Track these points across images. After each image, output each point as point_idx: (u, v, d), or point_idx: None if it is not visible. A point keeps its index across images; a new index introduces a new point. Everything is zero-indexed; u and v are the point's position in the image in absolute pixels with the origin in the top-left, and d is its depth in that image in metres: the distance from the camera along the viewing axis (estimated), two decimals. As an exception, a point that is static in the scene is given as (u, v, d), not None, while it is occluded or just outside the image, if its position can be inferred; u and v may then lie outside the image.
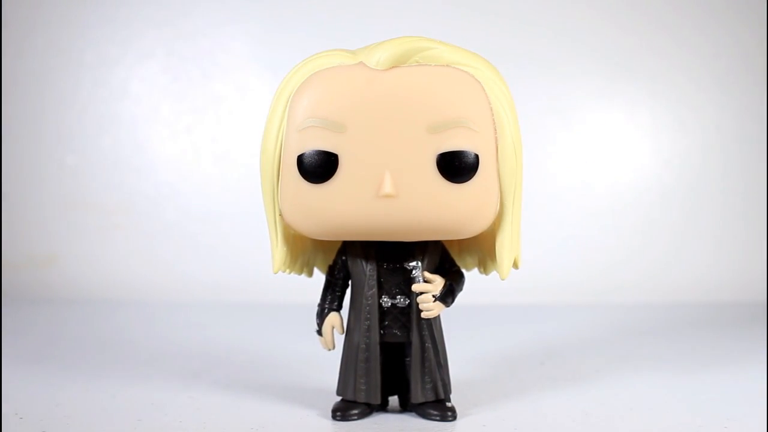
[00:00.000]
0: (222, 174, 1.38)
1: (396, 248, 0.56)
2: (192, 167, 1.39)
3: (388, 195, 0.50)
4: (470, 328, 1.01)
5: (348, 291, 0.59)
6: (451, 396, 0.58)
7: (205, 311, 1.17)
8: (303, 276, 0.64)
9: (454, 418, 0.57)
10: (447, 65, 0.50)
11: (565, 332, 0.99)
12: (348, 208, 0.51)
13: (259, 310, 1.18)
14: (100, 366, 0.77)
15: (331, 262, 0.60)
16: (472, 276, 0.62)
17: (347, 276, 0.58)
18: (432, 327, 0.56)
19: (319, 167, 0.50)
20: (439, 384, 0.57)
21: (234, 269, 1.31)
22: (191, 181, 1.39)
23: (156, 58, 1.38)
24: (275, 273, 0.57)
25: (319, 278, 0.64)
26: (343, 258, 0.58)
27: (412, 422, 0.56)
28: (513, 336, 0.96)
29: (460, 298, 0.58)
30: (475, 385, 0.68)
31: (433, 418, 0.56)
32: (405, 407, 0.59)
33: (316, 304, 0.60)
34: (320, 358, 0.67)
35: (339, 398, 0.58)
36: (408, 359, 0.57)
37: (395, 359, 0.58)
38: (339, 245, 0.59)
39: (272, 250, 0.56)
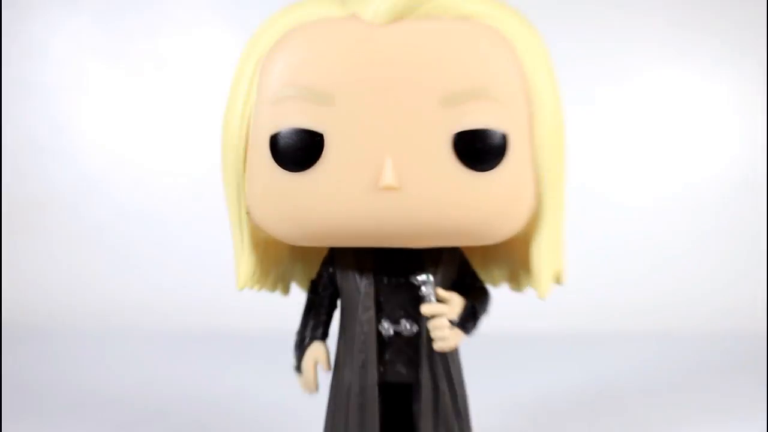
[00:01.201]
0: (170, 160, 1.37)
1: (400, 257, 0.56)
2: (129, 151, 1.37)
3: (389, 187, 0.50)
4: (499, 363, 1.00)
5: (337, 314, 0.59)
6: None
7: (146, 342, 1.16)
8: (277, 294, 0.64)
9: (478, 486, 0.59)
10: (466, 18, 0.51)
11: (625, 369, 0.98)
12: (337, 205, 0.51)
13: (219, 339, 1.17)
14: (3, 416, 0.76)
15: (314, 276, 0.60)
16: (500, 294, 0.62)
17: (335, 294, 0.59)
18: (448, 363, 0.57)
19: (298, 150, 0.51)
20: (457, 438, 0.57)
21: (185, 285, 1.30)
22: (128, 169, 1.37)
23: (83, 5, 1.37)
24: (240, 290, 0.57)
25: (299, 297, 0.64)
26: (331, 270, 0.59)
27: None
28: (555, 374, 0.96)
29: (485, 323, 0.58)
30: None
31: (450, 486, 0.57)
32: (413, 471, 0.59)
33: (295, 332, 0.60)
34: (300, 403, 0.67)
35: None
36: (416, 406, 0.57)
37: (399, 405, 0.58)
38: (325, 254, 0.60)
39: (236, 259, 0.56)
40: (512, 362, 1.02)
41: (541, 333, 1.14)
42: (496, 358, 1.00)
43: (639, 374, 0.95)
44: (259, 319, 1.01)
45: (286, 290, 0.66)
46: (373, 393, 0.56)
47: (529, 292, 0.61)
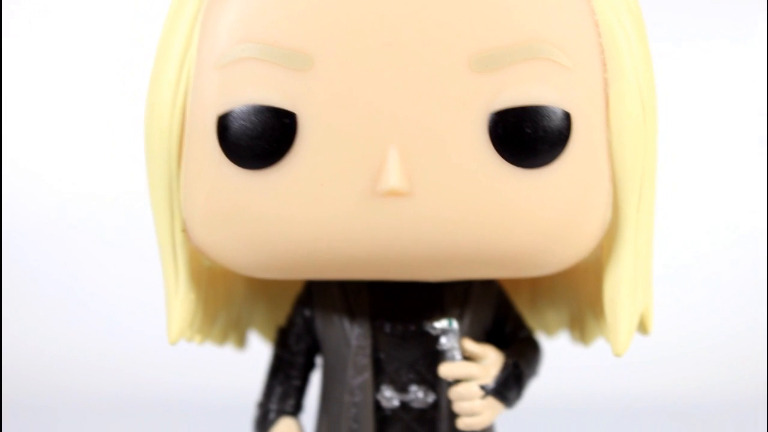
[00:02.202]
0: (75, 154, 1.38)
1: (409, 295, 0.56)
2: (22, 140, 1.40)
3: (394, 192, 0.48)
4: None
5: (316, 378, 0.60)
6: None
7: (46, 416, 1.16)
8: (227, 350, 0.64)
9: None
10: None
11: None
12: (315, 218, 0.50)
13: (147, 413, 1.17)
14: None
15: (283, 323, 0.60)
16: (557, 347, 0.61)
17: (314, 349, 0.59)
18: None
19: (260, 138, 0.49)
20: None
21: (99, 338, 1.31)
22: (24, 169, 1.39)
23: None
24: (173, 343, 0.56)
25: (260, 353, 0.63)
26: (307, 314, 0.59)
27: None
28: None
29: (534, 389, 0.57)
30: None
31: None
32: None
33: (255, 404, 0.60)
34: None
35: None
36: None
37: None
38: (298, 290, 0.60)
39: (168, 299, 0.56)
40: None
41: (614, 402, 1.18)
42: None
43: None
44: (200, 386, 1.02)
45: (240, 342, 0.64)
46: (369, 495, 0.55)
47: (600, 345, 0.59)
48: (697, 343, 1.36)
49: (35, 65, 1.42)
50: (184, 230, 0.54)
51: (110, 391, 1.27)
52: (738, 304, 1.40)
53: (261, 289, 0.63)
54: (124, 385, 1.26)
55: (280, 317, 0.61)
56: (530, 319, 0.61)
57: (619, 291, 0.53)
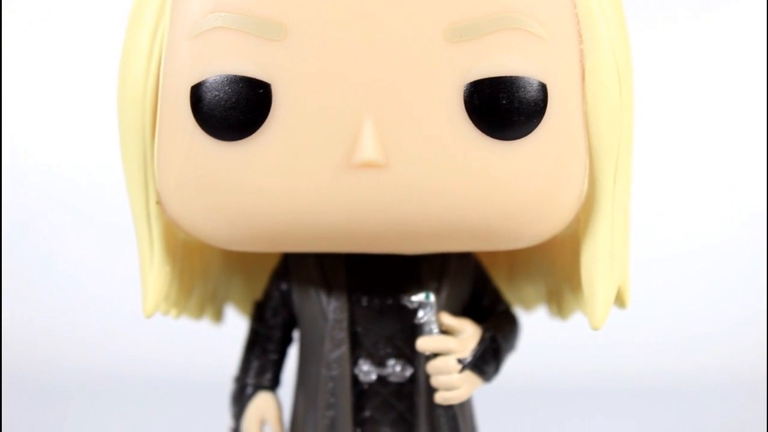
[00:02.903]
0: (49, 128, 1.38)
1: (386, 269, 0.56)
2: None
3: (369, 163, 0.48)
4: (532, 421, 1.01)
5: (293, 352, 0.60)
6: None
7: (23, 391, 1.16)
8: (204, 323, 0.63)
9: None
10: None
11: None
12: (290, 190, 0.50)
13: (123, 390, 1.17)
14: None
15: (259, 297, 0.60)
16: (534, 321, 0.60)
17: (291, 323, 0.59)
18: (457, 422, 0.56)
19: (234, 109, 0.49)
20: None
21: (76, 313, 1.31)
22: None
23: None
24: (148, 316, 0.56)
25: (237, 327, 0.62)
26: (284, 288, 0.59)
27: None
28: None
29: (512, 364, 0.57)
30: None
31: None
32: None
33: (232, 378, 0.60)
34: None
35: None
36: None
37: None
38: (275, 263, 0.60)
39: (143, 273, 0.55)
40: (555, 421, 1.04)
41: (593, 381, 1.18)
42: (530, 414, 1.02)
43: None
44: (175, 362, 1.03)
45: (217, 317, 0.64)
46: (347, 468, 0.56)
47: (577, 319, 0.59)
48: (684, 320, 1.36)
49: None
50: (159, 202, 0.53)
51: (86, 366, 1.26)
52: (733, 280, 1.40)
53: (237, 262, 0.63)
54: (101, 361, 1.26)
55: (257, 291, 0.61)
56: (508, 294, 0.61)
57: (596, 264, 0.53)
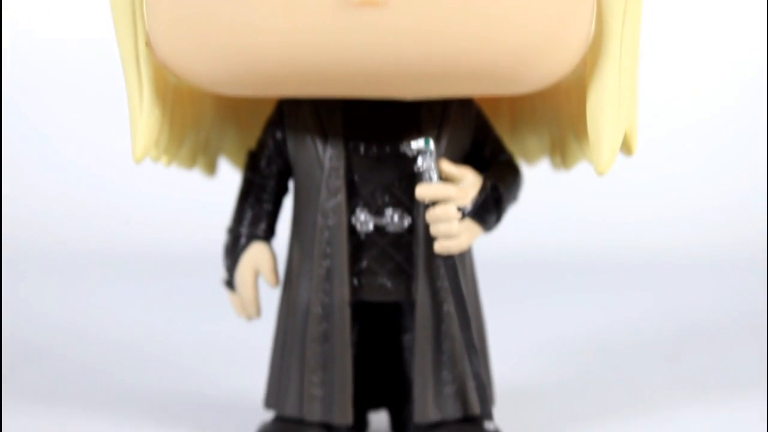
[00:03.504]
0: None
1: (384, 114, 0.56)
2: None
3: (367, 0, 0.47)
4: (533, 286, 1.02)
5: (288, 202, 0.59)
6: (495, 411, 0.58)
7: (28, 263, 1.18)
8: (196, 174, 0.63)
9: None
10: None
11: (707, 305, 1.03)
12: (286, 28, 0.49)
13: (114, 260, 1.19)
14: None
15: (253, 146, 0.60)
16: (537, 175, 0.60)
17: (286, 172, 0.59)
18: (456, 273, 0.55)
19: None
20: (470, 386, 0.57)
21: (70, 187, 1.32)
22: None
23: None
24: (138, 161, 0.55)
25: (230, 179, 0.62)
26: (279, 136, 0.58)
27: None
28: (615, 307, 0.99)
29: (510, 221, 0.57)
30: (542, 391, 0.71)
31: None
32: (402, 432, 0.60)
33: (225, 229, 0.60)
34: (233, 340, 0.67)
35: (270, 415, 0.60)
36: (408, 336, 0.58)
37: (382, 335, 0.59)
38: (269, 110, 0.59)
39: (132, 116, 0.54)
40: (555, 285, 1.04)
41: (594, 245, 1.18)
42: (531, 278, 1.03)
43: (723, 309, 1.03)
44: (170, 225, 1.05)
45: (210, 168, 0.64)
46: (343, 317, 0.56)
47: (581, 170, 0.59)
48: (685, 195, 1.38)
49: None
50: (148, 43, 0.52)
51: (87, 242, 1.28)
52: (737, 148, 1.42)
53: (230, 111, 0.62)
54: (98, 236, 1.27)
55: (251, 142, 0.60)
56: (511, 145, 0.60)
57: (603, 107, 0.53)
